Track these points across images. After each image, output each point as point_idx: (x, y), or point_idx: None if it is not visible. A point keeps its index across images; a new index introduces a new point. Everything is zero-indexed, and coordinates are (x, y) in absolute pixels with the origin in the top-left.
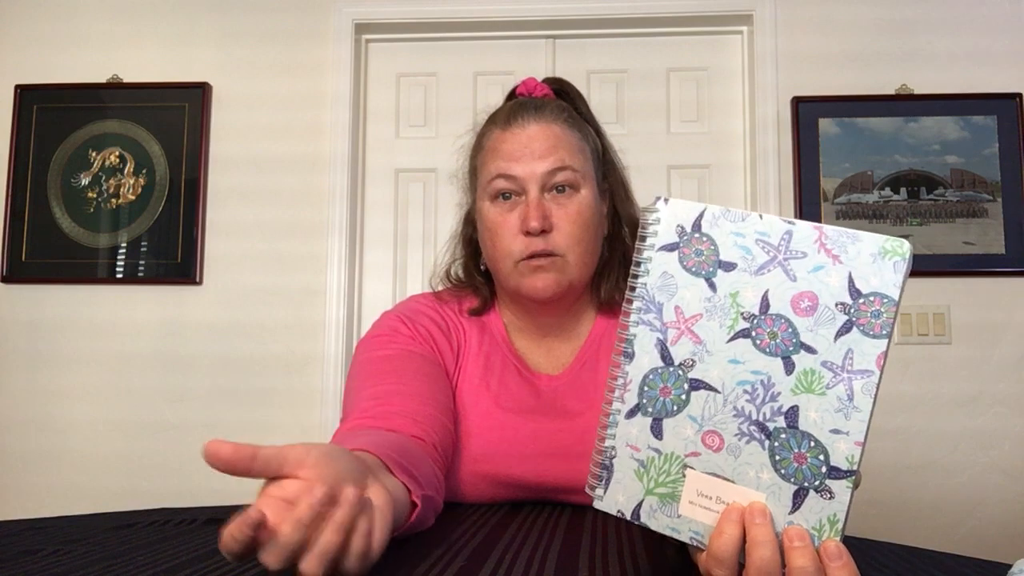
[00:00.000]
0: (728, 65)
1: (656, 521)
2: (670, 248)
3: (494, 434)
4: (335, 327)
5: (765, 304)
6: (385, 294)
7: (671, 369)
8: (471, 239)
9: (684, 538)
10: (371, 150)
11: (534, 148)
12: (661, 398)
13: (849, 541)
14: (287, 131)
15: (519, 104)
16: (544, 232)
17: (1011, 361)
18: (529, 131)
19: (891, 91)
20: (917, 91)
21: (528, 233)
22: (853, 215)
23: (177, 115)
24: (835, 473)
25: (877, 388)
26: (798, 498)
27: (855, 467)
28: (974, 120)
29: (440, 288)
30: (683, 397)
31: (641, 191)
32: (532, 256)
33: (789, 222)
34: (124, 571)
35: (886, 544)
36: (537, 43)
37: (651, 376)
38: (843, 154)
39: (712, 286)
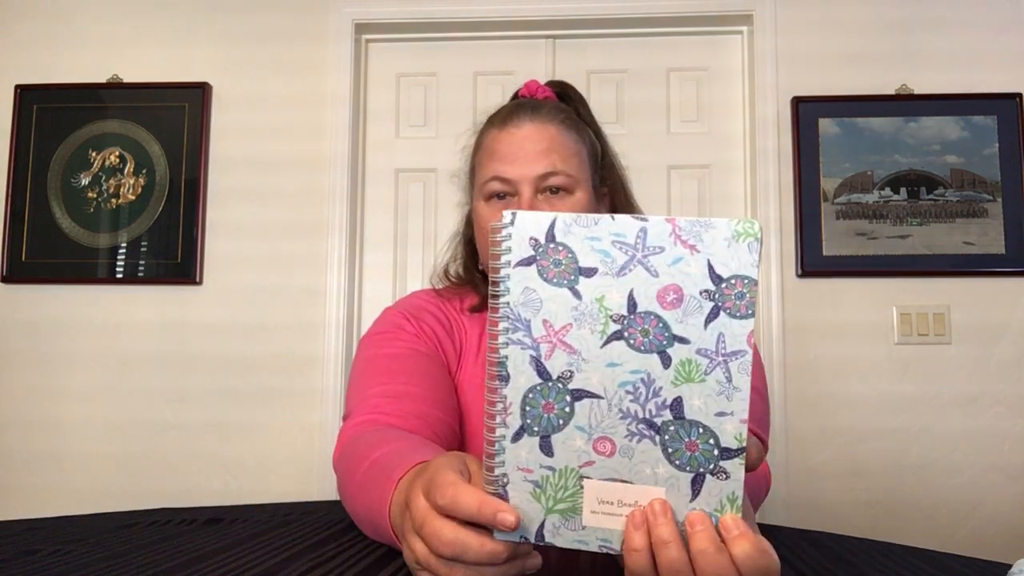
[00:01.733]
0: (728, 65)
1: (561, 538)
2: (527, 262)
3: None
4: (335, 327)
5: (632, 303)
6: (385, 294)
7: (550, 384)
8: (471, 240)
9: (593, 548)
10: (371, 150)
11: (528, 149)
12: (545, 415)
13: (849, 541)
14: (287, 131)
15: (517, 105)
16: None
17: (1011, 361)
18: (524, 131)
19: (891, 91)
20: (917, 91)
21: None
22: (853, 215)
23: (177, 115)
24: (727, 454)
25: (751, 365)
26: (696, 484)
27: (744, 444)
28: (974, 120)
29: (440, 286)
30: (567, 410)
31: (641, 191)
32: None
33: (642, 219)
34: (124, 571)
35: (886, 544)
36: (537, 43)
37: (531, 395)
38: (843, 154)
39: (576, 294)
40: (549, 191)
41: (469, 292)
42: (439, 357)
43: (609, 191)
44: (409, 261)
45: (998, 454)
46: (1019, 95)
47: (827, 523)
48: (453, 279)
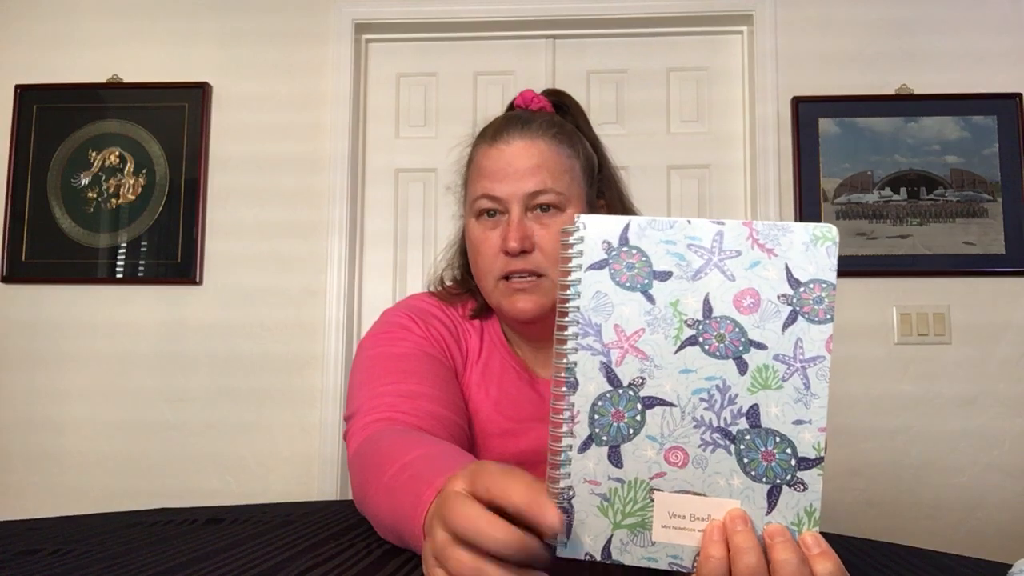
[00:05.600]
0: (728, 65)
1: (630, 555)
2: (599, 266)
3: (493, 441)
4: (335, 327)
5: (708, 308)
6: (385, 294)
7: (620, 391)
8: (466, 250)
9: (663, 566)
10: (371, 150)
11: (517, 167)
12: (615, 423)
13: (849, 541)
14: (287, 131)
15: (507, 118)
16: (524, 252)
17: (1011, 361)
18: (513, 148)
19: (891, 91)
20: (917, 91)
21: (508, 253)
22: (853, 215)
23: (177, 115)
24: (804, 464)
25: (829, 372)
26: (772, 496)
27: (822, 453)
28: (974, 120)
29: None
30: (638, 418)
31: (641, 191)
32: (511, 275)
33: (719, 223)
34: (124, 571)
35: (886, 544)
36: (537, 43)
37: (600, 403)
38: (843, 154)
39: (650, 298)
40: (539, 208)
41: (467, 298)
42: (447, 361)
43: (606, 204)
44: (409, 261)
45: (998, 454)
46: (1019, 95)
47: (827, 523)
48: (449, 286)
